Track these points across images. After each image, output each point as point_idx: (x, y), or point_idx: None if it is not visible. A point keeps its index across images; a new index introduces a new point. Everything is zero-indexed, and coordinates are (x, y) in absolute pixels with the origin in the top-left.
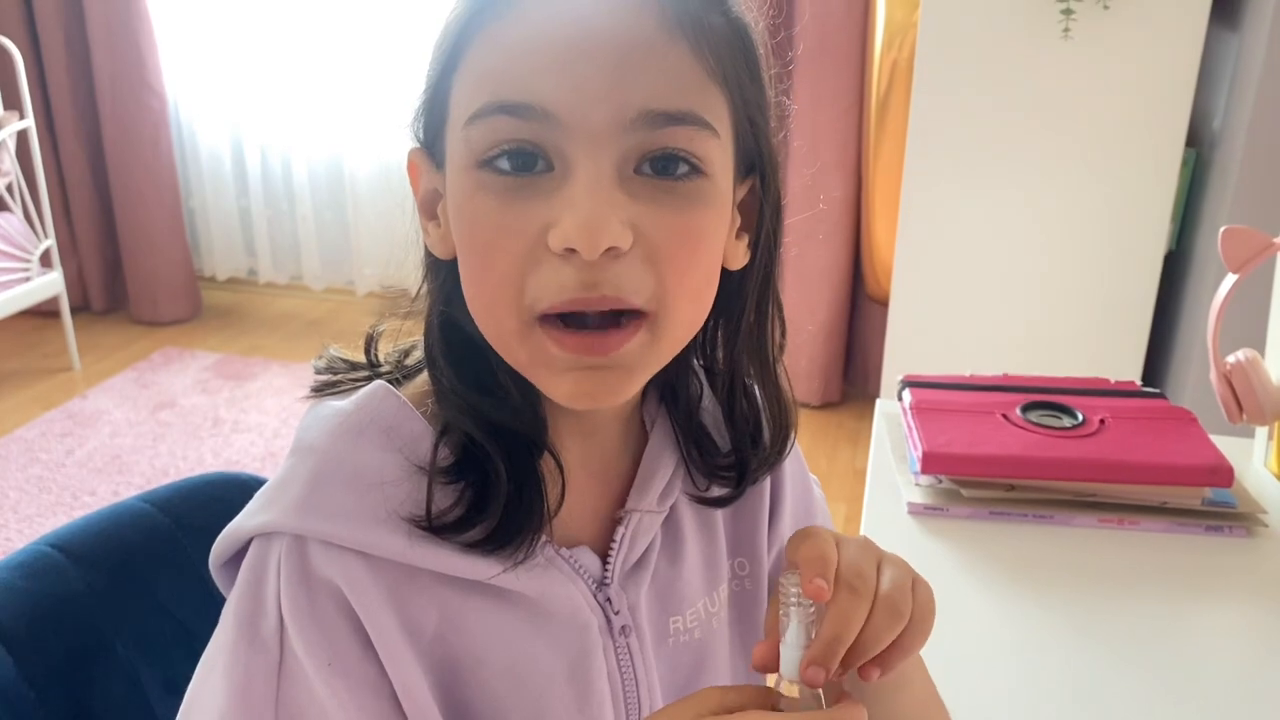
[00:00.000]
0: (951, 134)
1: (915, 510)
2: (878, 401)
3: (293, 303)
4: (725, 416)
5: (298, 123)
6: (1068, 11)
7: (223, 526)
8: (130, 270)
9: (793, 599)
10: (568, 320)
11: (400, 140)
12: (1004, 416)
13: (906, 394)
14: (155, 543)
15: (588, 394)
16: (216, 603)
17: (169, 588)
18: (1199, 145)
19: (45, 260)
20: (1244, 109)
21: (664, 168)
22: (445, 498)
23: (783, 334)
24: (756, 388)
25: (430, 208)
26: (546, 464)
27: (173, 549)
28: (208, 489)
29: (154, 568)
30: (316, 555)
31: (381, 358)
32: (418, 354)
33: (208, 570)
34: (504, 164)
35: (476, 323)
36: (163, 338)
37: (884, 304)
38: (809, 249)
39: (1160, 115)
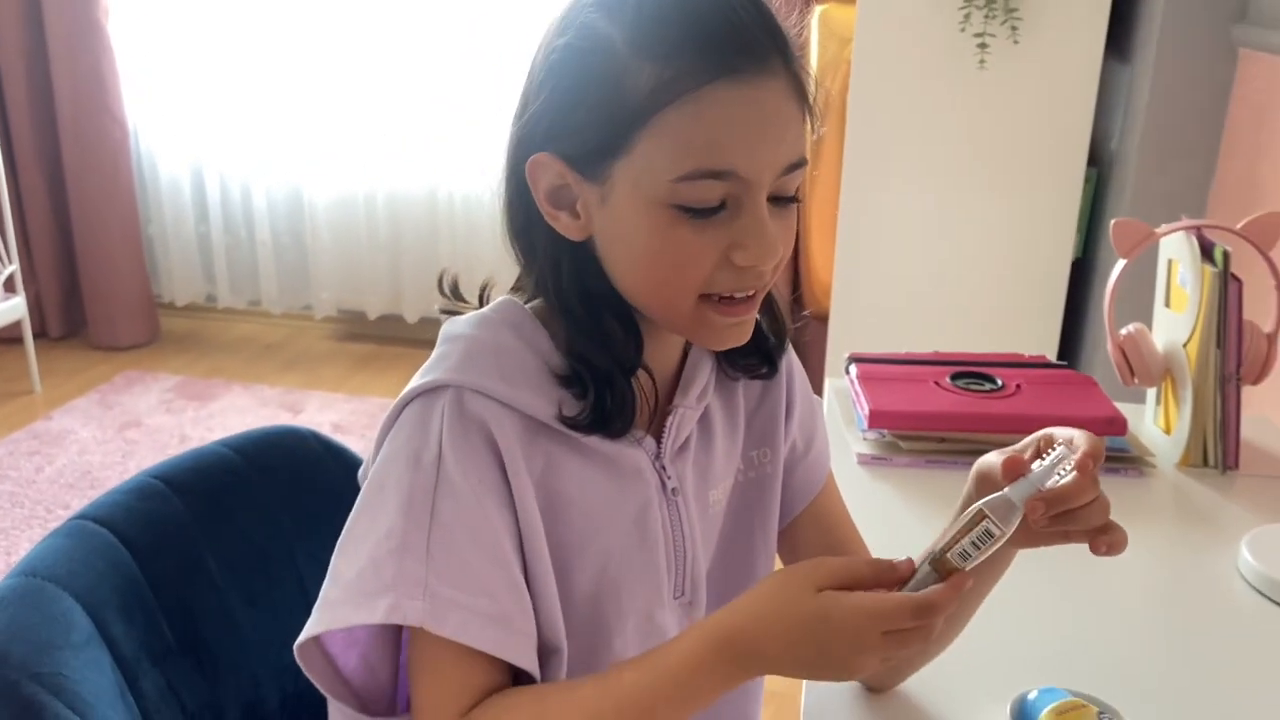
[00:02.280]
0: (883, 158)
1: (863, 460)
2: (826, 380)
3: (251, 327)
4: None
5: (258, 151)
6: (983, 45)
7: (287, 469)
8: (89, 296)
9: (1062, 449)
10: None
11: (370, 168)
12: (936, 383)
13: (853, 368)
14: (234, 479)
15: (734, 338)
16: (284, 531)
17: (245, 516)
18: (1099, 164)
19: (9, 285)
20: (1136, 131)
21: (782, 201)
22: (568, 395)
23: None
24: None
25: (559, 200)
26: (639, 378)
27: (248, 485)
28: (274, 437)
29: (234, 499)
30: (471, 402)
31: (469, 295)
32: (493, 291)
33: (274, 502)
34: (699, 207)
35: (639, 298)
36: (121, 362)
37: (822, 319)
38: None
39: (1065, 137)
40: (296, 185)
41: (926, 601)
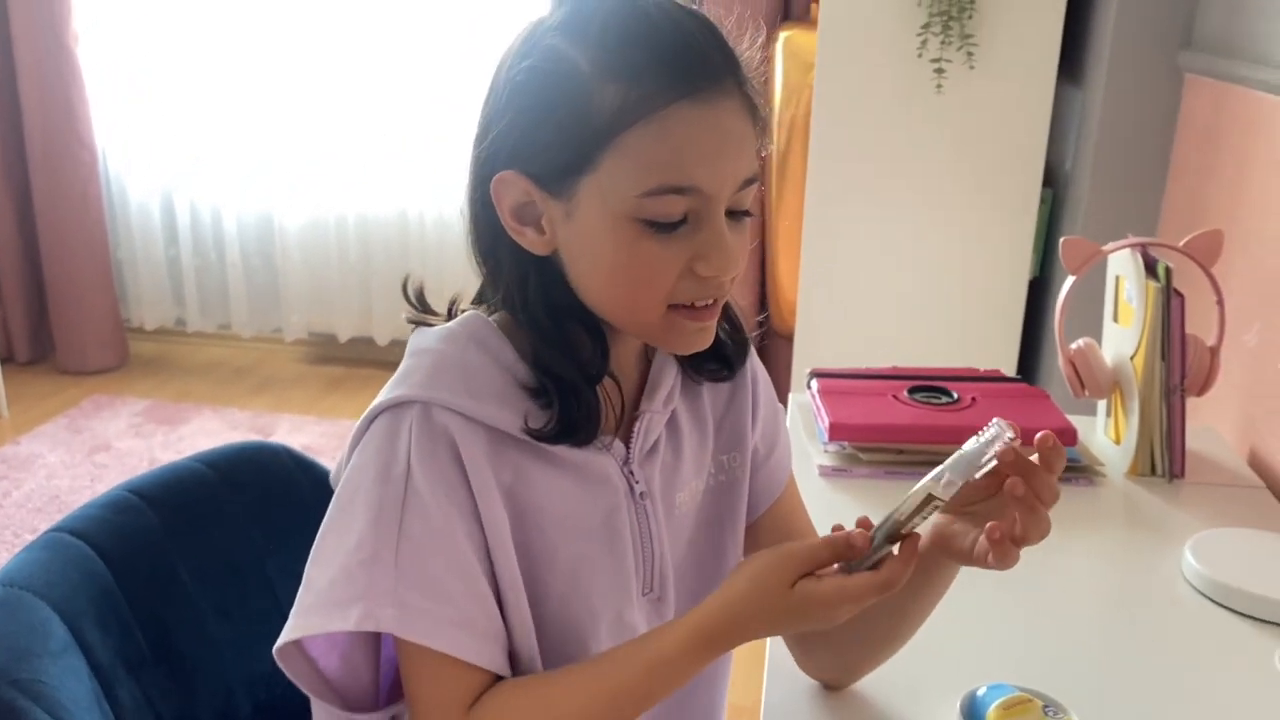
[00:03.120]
0: (844, 180)
1: (824, 472)
2: (790, 394)
3: (220, 351)
4: None
5: (229, 176)
6: (940, 70)
7: (259, 484)
8: (57, 320)
9: (996, 428)
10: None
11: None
12: (894, 397)
13: (814, 382)
14: (207, 493)
15: (700, 342)
16: (255, 544)
17: (218, 530)
18: (1054, 185)
19: None
20: (1088, 153)
21: (737, 215)
22: (535, 407)
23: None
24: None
25: (524, 216)
26: (605, 384)
27: (220, 499)
28: (247, 452)
29: (207, 513)
30: (438, 417)
31: (432, 305)
32: (461, 305)
33: (247, 517)
34: (663, 221)
35: (607, 310)
36: (90, 386)
37: (788, 337)
38: None
39: (1020, 159)
40: (267, 208)
41: (886, 580)
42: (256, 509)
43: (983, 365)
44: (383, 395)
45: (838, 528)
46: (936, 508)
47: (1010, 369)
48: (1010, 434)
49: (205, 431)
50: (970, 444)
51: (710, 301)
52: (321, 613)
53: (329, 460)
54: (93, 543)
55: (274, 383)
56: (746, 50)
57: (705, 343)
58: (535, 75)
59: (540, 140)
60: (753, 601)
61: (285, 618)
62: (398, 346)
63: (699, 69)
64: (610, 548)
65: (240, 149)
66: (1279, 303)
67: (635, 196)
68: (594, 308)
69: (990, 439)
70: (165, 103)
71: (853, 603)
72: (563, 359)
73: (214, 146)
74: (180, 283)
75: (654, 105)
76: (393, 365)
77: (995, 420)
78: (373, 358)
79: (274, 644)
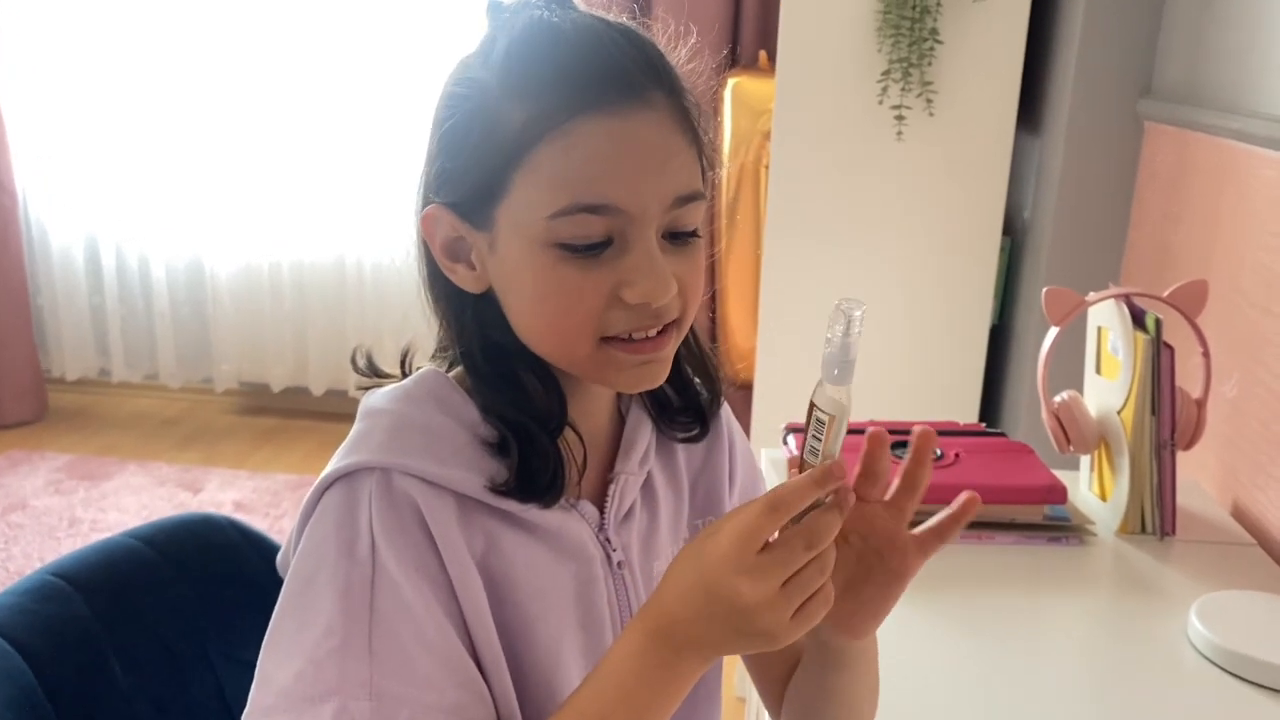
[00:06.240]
0: (804, 228)
1: None
2: (763, 450)
3: (147, 402)
4: (672, 379)
5: (157, 221)
6: (900, 117)
7: (201, 561)
8: None
9: (847, 305)
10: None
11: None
12: None
13: (790, 439)
14: (144, 573)
15: (648, 380)
16: (197, 629)
17: (155, 615)
18: (1013, 233)
19: None
20: (1048, 202)
21: (680, 236)
22: (499, 465)
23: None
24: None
25: (455, 253)
26: (568, 438)
27: (158, 580)
28: (190, 526)
29: (142, 596)
30: (399, 482)
31: (385, 367)
32: (415, 360)
33: (188, 598)
34: (580, 245)
35: (538, 345)
36: (6, 441)
37: (740, 386)
38: None
39: (980, 207)
40: (197, 254)
41: (775, 497)
42: (199, 590)
43: (945, 414)
44: (335, 463)
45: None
46: (824, 423)
47: (973, 418)
48: (860, 310)
49: (130, 487)
50: (833, 339)
51: (652, 333)
52: (288, 713)
53: (262, 518)
54: (11, 637)
55: (204, 435)
56: (688, 64)
57: (654, 380)
58: (453, 101)
59: (457, 169)
60: (690, 596)
61: (228, 710)
62: (334, 396)
63: (607, 79)
64: (585, 620)
65: (170, 192)
66: (1256, 353)
67: (546, 219)
68: (529, 345)
69: (846, 325)
70: (90, 144)
71: (750, 539)
72: (511, 403)
73: (142, 190)
74: (104, 331)
75: (557, 120)
76: (330, 416)
77: (840, 300)
78: (309, 408)
79: None
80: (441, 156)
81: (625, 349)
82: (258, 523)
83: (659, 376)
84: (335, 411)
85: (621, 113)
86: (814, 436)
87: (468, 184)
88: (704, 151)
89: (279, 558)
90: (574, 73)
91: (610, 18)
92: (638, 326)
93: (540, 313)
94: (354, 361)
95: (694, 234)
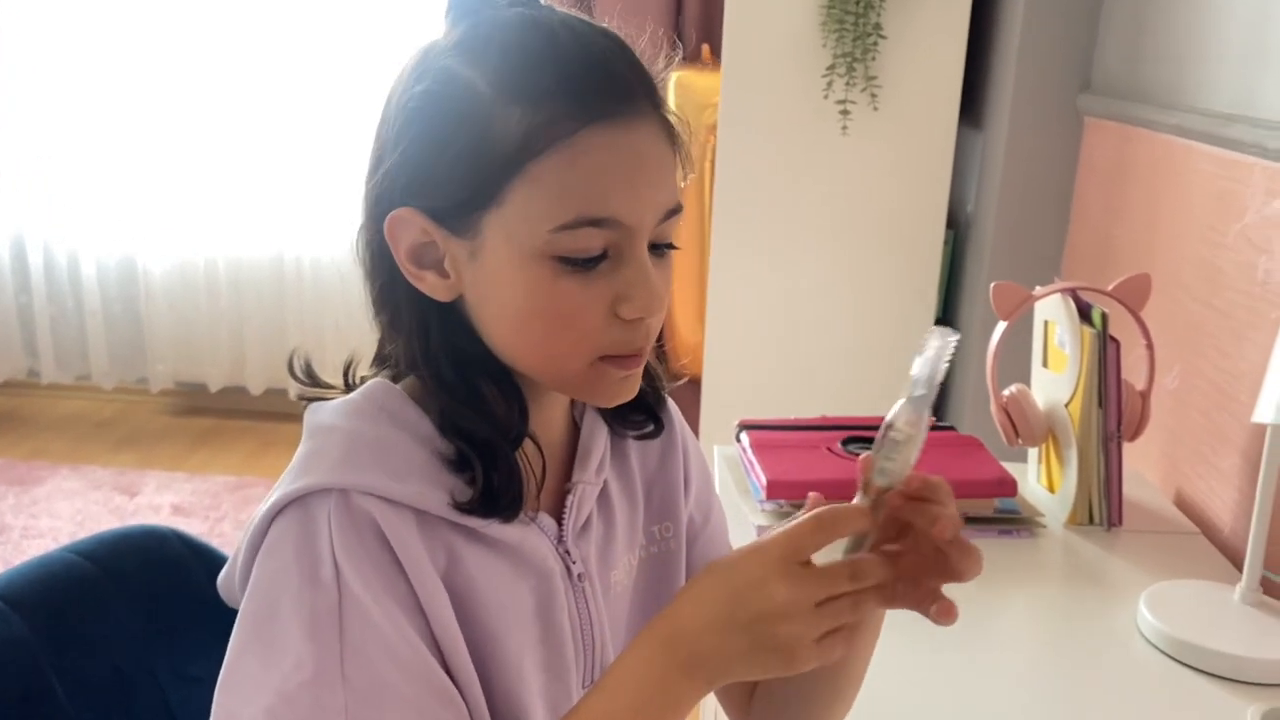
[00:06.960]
0: (750, 222)
1: (763, 531)
2: (715, 447)
3: (79, 403)
4: None
5: (87, 218)
6: (845, 112)
7: (145, 576)
8: None
9: (940, 337)
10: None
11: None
12: (829, 449)
13: (744, 435)
14: (85, 590)
15: (626, 393)
16: (143, 647)
17: (98, 633)
18: (957, 227)
19: None
20: (990, 196)
21: (660, 249)
22: (460, 481)
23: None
24: None
25: (423, 259)
26: (526, 449)
27: (101, 594)
28: (133, 539)
29: (85, 614)
30: (358, 502)
31: (327, 378)
32: (359, 369)
33: (133, 614)
34: (580, 258)
35: (521, 359)
36: None
37: (686, 380)
38: None
39: (924, 201)
40: (129, 252)
41: (825, 516)
42: (144, 606)
43: (889, 406)
44: (286, 485)
45: (818, 499)
46: (899, 443)
47: None
48: (954, 337)
49: (63, 492)
50: (919, 366)
51: (638, 349)
52: None
53: (200, 521)
54: None
55: (139, 437)
56: (662, 72)
57: (630, 393)
58: (430, 100)
59: (438, 173)
60: (711, 605)
61: None
62: (274, 395)
63: (611, 89)
64: (545, 634)
65: (100, 188)
66: (1197, 345)
67: (548, 231)
68: (507, 358)
69: (937, 351)
70: (15, 138)
71: (789, 556)
72: (476, 417)
73: (70, 185)
74: (33, 332)
75: (565, 130)
76: (269, 415)
77: (933, 330)
78: (246, 408)
79: None
80: (414, 158)
81: (616, 365)
82: (197, 526)
83: (635, 389)
84: (274, 411)
85: (624, 124)
86: (886, 457)
87: (450, 189)
88: (683, 162)
89: (221, 580)
90: (577, 81)
91: (589, 19)
92: (632, 344)
93: (533, 328)
94: (291, 369)
95: (671, 246)
